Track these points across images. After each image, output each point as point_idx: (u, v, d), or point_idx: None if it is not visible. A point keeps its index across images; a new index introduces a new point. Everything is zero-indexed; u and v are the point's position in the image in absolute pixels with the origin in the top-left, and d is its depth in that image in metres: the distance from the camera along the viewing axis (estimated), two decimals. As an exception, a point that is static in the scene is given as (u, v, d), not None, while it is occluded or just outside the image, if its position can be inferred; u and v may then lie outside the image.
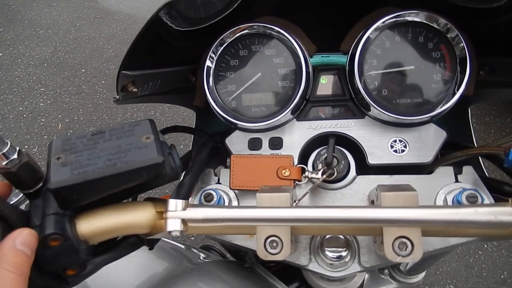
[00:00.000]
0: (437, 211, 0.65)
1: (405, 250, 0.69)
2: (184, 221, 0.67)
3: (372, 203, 0.85)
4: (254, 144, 0.99)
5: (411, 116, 0.92)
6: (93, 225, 0.64)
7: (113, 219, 0.66)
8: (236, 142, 1.00)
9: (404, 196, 0.70)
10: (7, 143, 0.61)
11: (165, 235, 0.68)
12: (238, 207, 0.77)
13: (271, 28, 0.98)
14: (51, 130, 4.01)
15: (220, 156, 1.06)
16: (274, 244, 0.71)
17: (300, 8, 1.06)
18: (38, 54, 4.91)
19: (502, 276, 2.84)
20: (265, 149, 0.98)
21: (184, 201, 0.69)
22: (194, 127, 1.30)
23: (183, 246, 1.32)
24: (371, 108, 0.94)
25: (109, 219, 0.65)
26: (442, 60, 0.94)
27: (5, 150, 0.60)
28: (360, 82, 0.93)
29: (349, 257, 0.86)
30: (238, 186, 0.92)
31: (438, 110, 0.91)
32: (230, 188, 0.92)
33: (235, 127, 1.01)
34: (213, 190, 0.90)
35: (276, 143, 0.98)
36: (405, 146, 0.94)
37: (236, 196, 0.94)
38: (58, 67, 4.73)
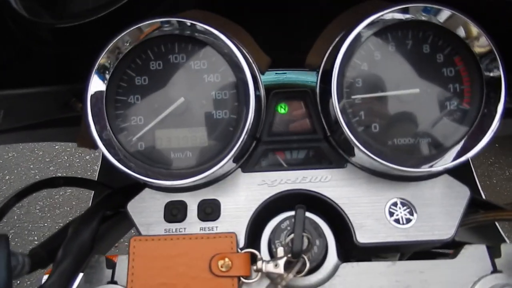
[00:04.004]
0: None
1: None
2: None
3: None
4: (174, 213, 0.62)
5: (418, 165, 0.59)
6: None
7: None
8: (146, 209, 0.63)
9: None
10: None
11: None
12: None
13: (200, 27, 0.62)
14: None
15: (123, 227, 0.66)
16: None
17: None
18: None
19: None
20: (192, 221, 0.62)
21: None
22: (97, 173, 0.90)
23: None
24: (356, 151, 0.60)
25: None
26: (457, 79, 0.63)
27: None
28: (339, 112, 0.59)
29: None
30: (142, 295, 0.53)
31: (458, 160, 0.59)
32: (129, 298, 0.53)
33: (143, 183, 0.63)
34: (96, 307, 0.50)
35: (210, 211, 0.62)
36: (410, 213, 0.60)
37: (142, 307, 0.55)
38: None
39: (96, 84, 0.61)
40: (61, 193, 3.14)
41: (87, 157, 3.34)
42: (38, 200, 2.98)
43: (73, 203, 3.05)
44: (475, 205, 0.65)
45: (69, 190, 3.18)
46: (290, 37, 0.75)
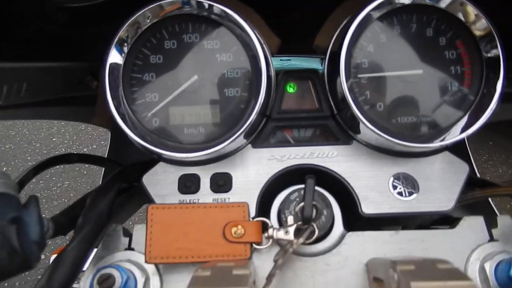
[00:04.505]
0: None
1: None
2: None
3: (377, 282, 0.53)
4: (188, 185, 0.64)
5: (420, 142, 0.62)
6: None
7: None
8: (160, 182, 0.65)
9: (456, 292, 0.39)
10: None
11: None
12: None
13: (217, 9, 0.64)
14: None
15: (138, 200, 0.69)
16: None
17: None
18: None
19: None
20: (205, 192, 0.64)
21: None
22: (107, 152, 0.92)
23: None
24: (362, 128, 0.63)
25: None
26: (459, 62, 0.66)
27: None
28: (347, 90, 0.62)
29: None
30: (160, 258, 0.56)
31: (458, 137, 0.62)
32: (147, 262, 0.56)
33: (158, 157, 0.66)
34: (116, 268, 0.53)
35: (222, 183, 0.64)
36: (413, 187, 0.63)
37: (158, 271, 0.58)
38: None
39: (115, 57, 0.64)
40: (58, 185, 3.15)
41: (84, 150, 3.34)
42: (36, 192, 2.98)
43: (71, 194, 3.05)
44: (472, 183, 0.68)
45: (67, 182, 3.18)
46: (293, 26, 0.77)
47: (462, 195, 0.64)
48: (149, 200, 0.65)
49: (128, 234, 0.62)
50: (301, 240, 0.55)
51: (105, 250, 0.60)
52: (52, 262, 0.52)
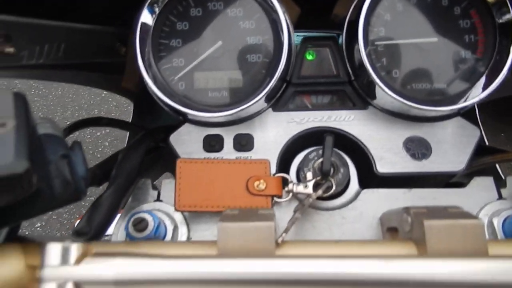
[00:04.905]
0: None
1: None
2: (77, 286, 0.34)
3: (391, 232, 0.57)
4: (212, 144, 0.68)
5: (433, 106, 0.65)
6: None
7: None
8: (186, 141, 0.69)
9: (465, 229, 0.42)
10: None
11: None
12: (179, 257, 0.43)
13: None
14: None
15: (163, 162, 0.73)
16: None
17: None
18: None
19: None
20: (228, 151, 0.68)
21: (79, 245, 0.36)
22: (131, 119, 0.96)
23: None
24: (378, 93, 0.66)
25: None
26: (473, 31, 0.69)
27: None
28: (365, 56, 0.65)
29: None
30: (188, 207, 0.60)
31: (470, 102, 0.65)
32: (176, 210, 0.60)
33: (184, 119, 0.70)
34: (148, 214, 0.57)
35: (244, 143, 0.68)
36: (426, 149, 0.67)
37: (185, 220, 0.63)
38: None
39: (146, 18, 0.67)
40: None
41: (97, 134, 3.41)
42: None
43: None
44: (482, 151, 0.71)
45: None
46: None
47: (472, 162, 0.68)
48: (172, 163, 0.69)
49: (156, 188, 0.66)
50: (319, 192, 0.58)
51: (135, 201, 0.65)
52: (91, 205, 0.57)
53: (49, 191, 0.38)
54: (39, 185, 0.35)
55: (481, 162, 0.70)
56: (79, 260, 0.35)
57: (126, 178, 0.61)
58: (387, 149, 0.67)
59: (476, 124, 0.71)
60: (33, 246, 0.35)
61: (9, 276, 0.34)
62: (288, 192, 0.62)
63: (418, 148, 0.67)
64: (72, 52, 0.65)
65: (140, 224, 0.56)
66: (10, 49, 0.49)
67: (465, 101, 0.66)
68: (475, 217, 0.44)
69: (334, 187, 0.61)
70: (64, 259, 0.35)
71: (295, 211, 0.57)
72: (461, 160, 0.66)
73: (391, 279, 0.36)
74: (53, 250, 0.35)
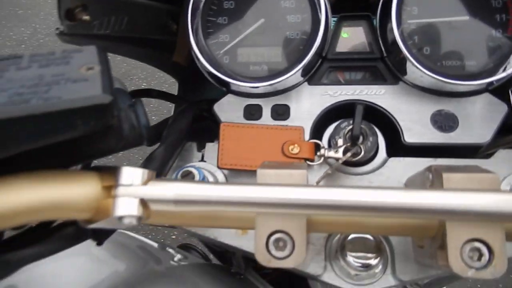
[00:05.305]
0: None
1: (480, 259, 0.45)
2: (143, 202, 0.42)
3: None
4: (252, 113, 0.75)
5: (462, 80, 0.68)
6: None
7: (30, 194, 0.40)
8: (228, 109, 0.76)
9: (481, 180, 0.47)
10: None
11: (113, 223, 0.43)
12: (228, 183, 0.50)
13: None
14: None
15: (207, 131, 0.81)
16: (281, 244, 0.47)
17: None
18: (16, 35, 4.59)
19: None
20: (266, 119, 0.74)
21: (145, 171, 0.44)
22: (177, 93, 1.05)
23: (154, 244, 1.06)
24: (408, 70, 0.71)
25: (21, 193, 0.40)
26: (505, 11, 0.71)
27: None
28: (398, 34, 0.69)
29: (380, 266, 0.62)
30: (229, 165, 0.67)
31: (498, 76, 0.68)
32: (218, 167, 0.68)
33: (227, 90, 0.77)
34: (195, 168, 0.65)
35: (281, 112, 0.74)
36: (453, 122, 0.70)
37: (226, 178, 0.70)
38: (36, 50, 4.41)
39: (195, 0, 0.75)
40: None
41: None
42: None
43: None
44: (509, 129, 0.74)
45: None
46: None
47: (498, 139, 0.70)
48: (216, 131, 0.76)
49: (200, 151, 0.74)
50: (348, 154, 0.64)
51: (182, 161, 0.73)
52: (145, 159, 0.65)
53: (119, 133, 0.46)
54: (114, 122, 0.43)
55: (509, 139, 0.73)
56: (145, 183, 0.43)
57: (176, 137, 0.69)
58: (415, 121, 0.71)
59: (507, 100, 0.73)
60: (108, 170, 0.44)
61: (89, 195, 0.42)
62: (320, 156, 0.68)
63: (445, 121, 0.71)
64: (132, 26, 0.74)
65: (187, 177, 0.64)
66: (87, 17, 0.58)
67: (492, 77, 0.69)
68: (493, 172, 0.48)
69: (362, 153, 0.66)
70: (134, 181, 0.43)
71: (325, 172, 0.63)
72: (486, 133, 0.69)
73: (411, 206, 0.42)
74: (125, 173, 0.42)
